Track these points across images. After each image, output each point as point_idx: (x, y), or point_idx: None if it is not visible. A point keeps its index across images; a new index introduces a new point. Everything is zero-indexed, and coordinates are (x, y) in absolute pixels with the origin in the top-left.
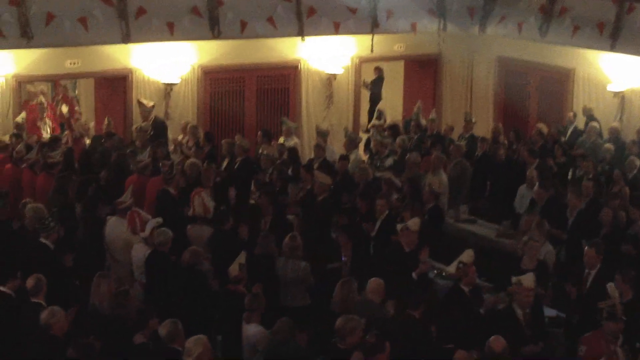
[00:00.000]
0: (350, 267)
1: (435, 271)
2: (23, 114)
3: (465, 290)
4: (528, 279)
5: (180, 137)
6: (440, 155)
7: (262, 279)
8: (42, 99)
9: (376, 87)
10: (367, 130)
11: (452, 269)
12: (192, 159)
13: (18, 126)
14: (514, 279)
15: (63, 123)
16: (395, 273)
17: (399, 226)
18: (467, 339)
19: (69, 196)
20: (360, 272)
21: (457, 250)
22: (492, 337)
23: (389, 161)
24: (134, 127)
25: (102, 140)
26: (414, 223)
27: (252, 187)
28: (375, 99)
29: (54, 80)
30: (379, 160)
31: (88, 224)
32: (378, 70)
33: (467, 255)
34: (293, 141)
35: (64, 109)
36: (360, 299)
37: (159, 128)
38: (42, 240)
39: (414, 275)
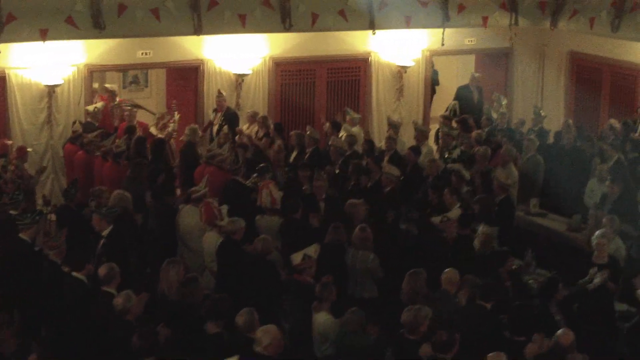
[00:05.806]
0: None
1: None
2: (100, 104)
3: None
4: None
5: (245, 127)
6: (510, 148)
7: (331, 269)
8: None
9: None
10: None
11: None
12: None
13: (91, 115)
14: None
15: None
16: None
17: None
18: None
19: (142, 183)
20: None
21: (527, 243)
22: (561, 330)
23: (457, 152)
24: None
25: None
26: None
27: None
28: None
29: (125, 70)
30: (447, 151)
31: (158, 212)
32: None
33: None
34: (350, 131)
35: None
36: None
37: (231, 119)
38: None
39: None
